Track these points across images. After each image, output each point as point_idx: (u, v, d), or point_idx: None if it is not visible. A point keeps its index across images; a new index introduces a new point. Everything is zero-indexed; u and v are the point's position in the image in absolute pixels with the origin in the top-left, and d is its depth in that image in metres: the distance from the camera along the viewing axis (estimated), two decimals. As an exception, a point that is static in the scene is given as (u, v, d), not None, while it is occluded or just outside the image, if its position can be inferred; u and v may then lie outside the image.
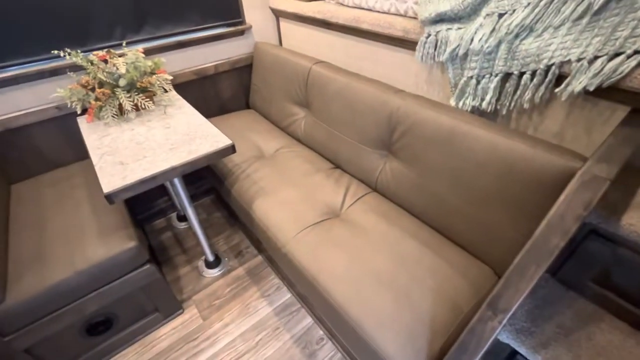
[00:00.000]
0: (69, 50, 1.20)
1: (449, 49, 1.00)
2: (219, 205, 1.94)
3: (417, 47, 1.09)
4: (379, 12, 1.28)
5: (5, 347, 0.97)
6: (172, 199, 1.77)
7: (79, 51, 1.22)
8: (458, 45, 0.98)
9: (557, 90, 0.83)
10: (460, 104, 1.05)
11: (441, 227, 1.07)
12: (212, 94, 1.79)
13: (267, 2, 1.75)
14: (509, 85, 0.93)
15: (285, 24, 1.79)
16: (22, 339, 0.99)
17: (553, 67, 0.82)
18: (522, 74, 0.90)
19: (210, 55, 1.68)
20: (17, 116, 1.27)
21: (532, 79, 0.88)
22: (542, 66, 0.84)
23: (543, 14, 0.83)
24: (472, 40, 0.94)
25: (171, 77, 1.36)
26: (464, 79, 1.01)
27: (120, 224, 1.14)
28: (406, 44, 1.19)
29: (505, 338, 0.77)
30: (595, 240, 0.76)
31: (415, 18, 1.16)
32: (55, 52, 1.20)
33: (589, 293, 0.82)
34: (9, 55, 1.21)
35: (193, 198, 1.93)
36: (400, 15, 1.21)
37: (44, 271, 0.99)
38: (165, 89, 1.35)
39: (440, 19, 1.03)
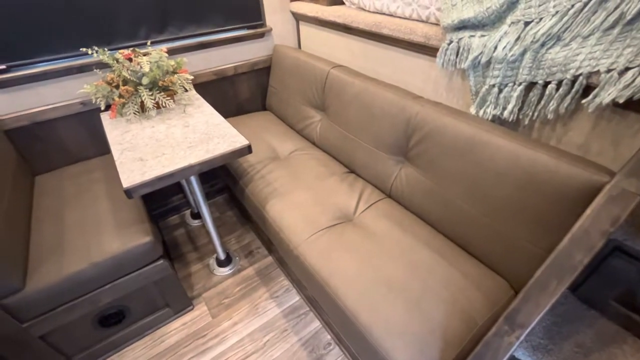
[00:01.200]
0: (96, 48, 1.24)
1: (471, 56, 0.99)
2: (232, 204, 1.96)
3: (439, 54, 1.08)
4: (400, 17, 1.28)
5: (23, 333, 1.00)
6: (187, 197, 1.80)
7: (105, 49, 1.26)
8: (481, 53, 0.96)
9: (583, 101, 0.81)
10: (481, 112, 1.03)
11: (456, 237, 1.05)
12: (230, 95, 1.82)
13: (288, 5, 1.77)
14: (533, 95, 0.91)
15: (305, 28, 1.81)
16: (39, 326, 1.02)
17: (580, 78, 0.80)
18: (547, 83, 0.88)
19: (231, 56, 1.71)
20: (44, 110, 1.32)
21: (557, 89, 0.86)
22: (569, 76, 0.82)
23: (571, 23, 0.81)
24: (495, 48, 0.92)
25: (192, 77, 1.39)
26: (486, 87, 0.99)
27: (137, 219, 1.17)
28: (427, 50, 1.18)
29: (521, 355, 0.74)
30: (620, 258, 0.73)
31: (437, 24, 1.15)
32: (84, 49, 1.24)
33: (611, 313, 0.79)
34: (40, 51, 1.25)
35: (206, 196, 1.95)
36: (422, 21, 1.21)
37: (62, 261, 1.01)
38: (185, 89, 1.38)
39: (463, 26, 1.02)
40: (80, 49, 1.26)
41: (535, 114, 0.93)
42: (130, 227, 1.13)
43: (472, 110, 1.05)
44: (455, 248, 1.04)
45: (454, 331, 0.81)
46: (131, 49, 1.31)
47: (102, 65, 1.33)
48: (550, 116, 0.89)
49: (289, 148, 1.56)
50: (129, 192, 0.95)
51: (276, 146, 1.57)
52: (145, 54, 1.31)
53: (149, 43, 1.43)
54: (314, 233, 1.09)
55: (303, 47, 1.89)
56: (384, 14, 1.35)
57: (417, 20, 1.22)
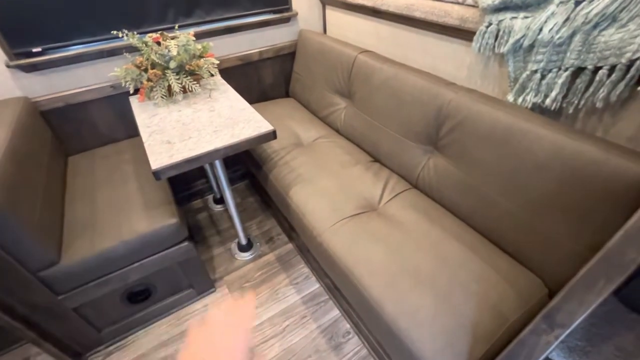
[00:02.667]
0: (126, 31, 1.25)
1: (512, 40, 0.93)
2: (253, 190, 1.97)
3: (475, 37, 1.02)
4: (433, -1, 1.22)
5: (58, 305, 1.05)
6: (210, 182, 1.83)
7: (135, 33, 1.27)
8: (524, 36, 0.90)
9: (639, 88, 0.74)
10: (520, 100, 0.97)
11: (488, 232, 1.01)
12: (254, 80, 1.81)
13: (315, -11, 1.73)
14: (580, 82, 0.84)
15: (331, 12, 1.76)
16: (73, 299, 1.06)
17: (638, 62, 0.73)
18: (597, 69, 0.81)
19: (256, 41, 1.69)
20: (77, 92, 1.36)
21: (609, 75, 0.79)
22: (624, 60, 0.75)
23: (630, 2, 0.74)
24: (541, 30, 0.86)
25: (218, 62, 1.39)
26: (527, 72, 0.93)
27: (164, 200, 1.19)
28: (462, 33, 1.12)
29: (556, 356, 0.71)
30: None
31: (474, 6, 1.08)
32: (115, 32, 1.25)
33: (657, 317, 0.73)
34: (73, 34, 1.28)
35: (229, 182, 1.97)
36: (458, 3, 1.14)
37: (94, 238, 1.05)
38: (211, 73, 1.38)
39: (504, 7, 0.96)
40: (112, 32, 1.28)
41: (582, 102, 0.86)
42: (158, 207, 1.16)
43: (510, 98, 0.99)
44: (486, 243, 1.00)
45: (484, 327, 0.78)
46: (159, 32, 1.31)
47: (131, 49, 1.34)
48: (599, 104, 0.82)
49: (312, 135, 1.54)
50: (157, 174, 0.97)
51: (300, 133, 1.56)
52: (173, 38, 1.31)
53: (176, 27, 1.43)
54: (338, 221, 1.07)
55: (329, 32, 1.85)
56: (416, -4, 1.28)
57: (452, 2, 1.15)
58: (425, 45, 1.28)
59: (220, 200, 1.87)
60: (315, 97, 1.69)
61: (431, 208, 1.12)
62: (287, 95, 1.96)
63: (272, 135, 1.14)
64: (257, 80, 1.82)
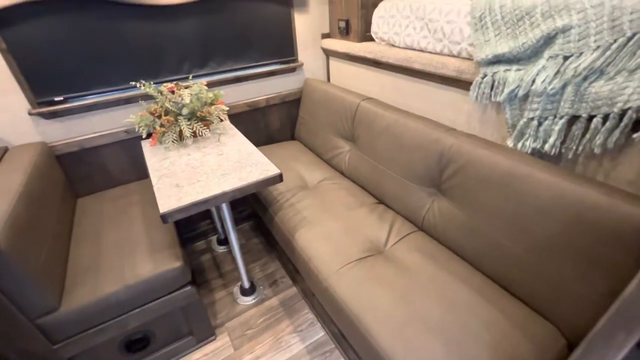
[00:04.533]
0: (143, 82, 1.34)
1: (507, 90, 0.98)
2: (257, 232, 1.96)
3: (472, 87, 1.08)
4: (430, 52, 1.31)
5: (52, 355, 1.00)
6: (215, 223, 1.83)
7: (151, 83, 1.36)
8: (517, 87, 0.96)
9: (635, 135, 0.77)
10: (519, 145, 1.00)
11: (496, 275, 0.99)
12: (261, 125, 1.89)
13: (319, 42, 1.87)
14: (576, 129, 0.88)
15: (334, 62, 1.88)
16: (68, 348, 1.02)
17: (629, 112, 0.77)
18: (591, 116, 0.85)
19: (263, 89, 1.79)
20: (93, 137, 1.42)
21: (604, 123, 0.83)
22: (616, 110, 0.79)
23: (615, 57, 0.80)
24: (533, 81, 0.92)
25: (227, 108, 1.46)
26: (524, 120, 0.97)
27: (169, 243, 1.19)
28: (459, 83, 1.19)
29: (581, 415, 0.66)
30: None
31: (469, 59, 1.16)
32: (133, 83, 1.34)
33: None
34: (94, 84, 1.37)
35: (234, 222, 1.97)
36: (453, 56, 1.23)
37: (97, 282, 1.04)
38: (221, 119, 1.45)
39: (497, 60, 1.03)
40: (130, 83, 1.37)
41: (580, 147, 0.89)
42: (163, 250, 1.15)
43: (510, 143, 1.03)
44: (495, 287, 0.97)
45: (501, 382, 0.74)
46: (175, 82, 1.40)
47: (146, 97, 1.43)
48: (597, 151, 0.85)
49: (317, 177, 1.57)
50: (165, 217, 0.98)
51: (305, 175, 1.59)
52: (186, 87, 1.40)
53: (190, 77, 1.53)
54: (344, 265, 1.06)
55: (332, 80, 1.96)
56: (414, 49, 1.38)
57: (448, 55, 1.24)
58: (426, 93, 1.35)
59: (224, 241, 1.86)
60: (320, 141, 1.75)
61: (437, 251, 1.11)
62: (292, 138, 2.03)
63: (278, 178, 1.17)
64: (264, 124, 1.90)
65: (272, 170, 1.17)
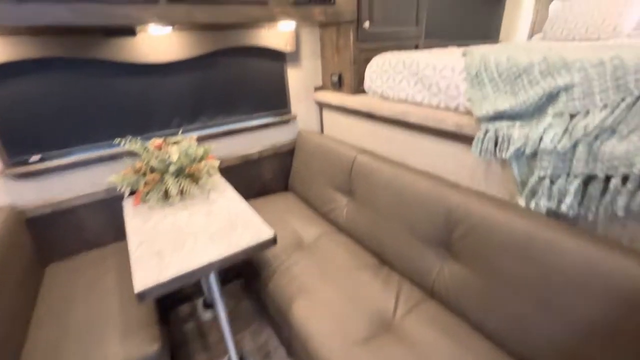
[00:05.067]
0: (130, 137, 1.27)
1: (512, 147, 0.94)
2: (248, 292, 1.79)
3: (475, 143, 1.04)
4: (426, 106, 1.29)
5: None
6: (201, 284, 1.67)
7: (138, 139, 1.30)
8: (524, 144, 0.91)
9: (662, 198, 0.71)
10: (532, 204, 0.93)
11: (526, 355, 0.86)
12: (254, 177, 1.81)
13: (312, 95, 1.87)
14: (594, 189, 0.82)
15: (328, 114, 1.88)
16: None
17: (652, 173, 0.72)
18: (608, 176, 0.80)
19: (256, 142, 1.75)
20: (69, 199, 1.31)
21: (624, 183, 0.77)
22: (636, 171, 0.74)
23: (626, 115, 0.76)
24: (541, 139, 0.87)
25: (218, 162, 1.39)
26: (535, 178, 0.92)
27: (146, 320, 1.04)
28: (459, 137, 1.15)
29: None
30: None
31: (468, 113, 1.14)
32: (118, 140, 1.27)
33: None
34: (76, 141, 1.30)
35: (222, 282, 1.81)
36: (451, 110, 1.21)
37: (55, 378, 0.87)
38: (210, 174, 1.37)
39: (499, 116, 1.00)
40: (115, 140, 1.30)
41: (601, 209, 0.82)
42: (138, 331, 1.00)
43: (522, 202, 0.96)
44: (526, 371, 0.84)
45: None
46: (163, 138, 1.34)
47: (132, 154, 1.35)
48: (620, 213, 0.78)
49: (313, 233, 1.46)
50: (141, 296, 0.85)
51: (300, 231, 1.48)
52: (175, 142, 1.34)
53: (180, 132, 1.48)
54: (348, 348, 0.92)
55: (326, 131, 1.94)
56: (408, 102, 1.37)
57: (445, 109, 1.22)
58: (424, 146, 1.31)
59: (212, 304, 1.68)
60: (314, 193, 1.67)
61: (453, 324, 0.98)
62: (286, 188, 1.95)
63: (272, 241, 1.07)
64: (257, 176, 1.82)
65: (265, 232, 1.07)
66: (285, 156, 1.88)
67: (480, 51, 1.13)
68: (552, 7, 2.26)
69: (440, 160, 1.25)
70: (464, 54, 1.24)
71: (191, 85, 1.49)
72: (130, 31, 1.19)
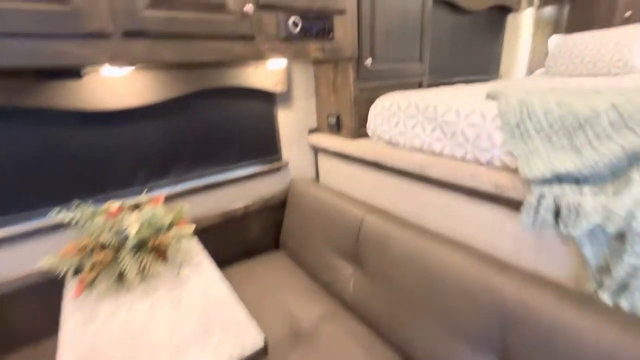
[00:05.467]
0: (78, 202, 0.99)
1: (585, 223, 0.70)
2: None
3: (525, 211, 0.80)
4: (448, 157, 1.07)
5: None
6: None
7: (90, 202, 1.01)
8: (604, 219, 0.68)
9: None
10: (625, 303, 0.68)
11: None
12: (238, 236, 1.52)
13: (306, 138, 1.64)
14: None
15: (324, 159, 1.64)
16: None
17: None
18: None
19: (241, 195, 1.47)
20: (-12, 287, 0.98)
21: None
22: None
23: None
24: (634, 217, 0.64)
25: (192, 228, 1.11)
26: (625, 266, 0.67)
27: None
28: (498, 199, 0.91)
29: None
30: None
31: (505, 169, 0.91)
32: (55, 212, 0.97)
33: None
34: (4, 210, 1.00)
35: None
36: (482, 164, 0.98)
37: None
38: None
39: (558, 178, 0.77)
40: (54, 208, 1.00)
41: None
42: None
43: (607, 299, 0.70)
44: None
45: None
46: (119, 204, 1.05)
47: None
48: None
49: (313, 315, 1.16)
50: None
51: (296, 311, 1.18)
52: (136, 206, 1.06)
53: (145, 191, 1.19)
54: None
55: (322, 179, 1.69)
56: (424, 152, 1.15)
57: (476, 163, 0.99)
58: (449, 207, 1.07)
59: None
60: (311, 256, 1.39)
61: None
62: (276, 246, 1.66)
63: (261, 353, 0.77)
64: (242, 235, 1.53)
65: (251, 338, 0.78)
66: (275, 209, 1.60)
67: (516, 95, 0.93)
68: (551, 42, 2.17)
69: (473, 225, 1.01)
70: (492, 97, 1.04)
71: (161, 133, 1.23)
72: (73, 73, 0.93)
